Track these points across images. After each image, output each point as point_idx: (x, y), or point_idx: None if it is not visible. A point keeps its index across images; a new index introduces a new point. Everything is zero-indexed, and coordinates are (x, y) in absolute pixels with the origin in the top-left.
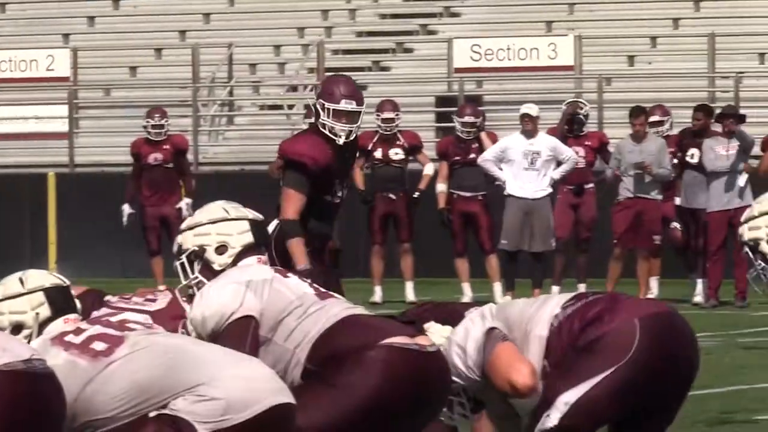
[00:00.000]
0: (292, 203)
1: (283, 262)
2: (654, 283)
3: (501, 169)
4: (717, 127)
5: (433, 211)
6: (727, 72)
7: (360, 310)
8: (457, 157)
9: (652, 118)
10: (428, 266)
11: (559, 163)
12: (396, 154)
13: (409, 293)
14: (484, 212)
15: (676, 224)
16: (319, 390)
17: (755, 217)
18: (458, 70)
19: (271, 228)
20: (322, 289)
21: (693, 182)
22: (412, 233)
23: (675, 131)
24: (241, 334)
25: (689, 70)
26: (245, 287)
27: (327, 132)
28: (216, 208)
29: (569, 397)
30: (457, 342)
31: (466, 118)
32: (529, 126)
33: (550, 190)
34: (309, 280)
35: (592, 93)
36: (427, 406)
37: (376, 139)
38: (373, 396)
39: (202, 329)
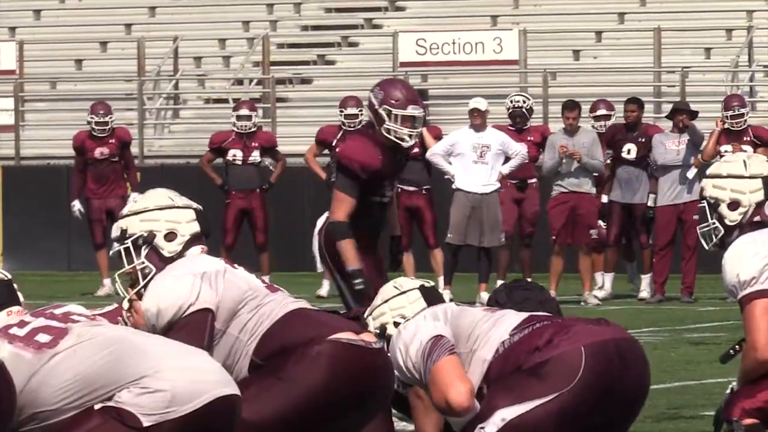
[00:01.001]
0: (342, 206)
1: (332, 260)
2: (608, 279)
3: (450, 163)
4: (651, 120)
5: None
6: (672, 67)
7: (304, 304)
8: None
9: (599, 112)
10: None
11: (508, 159)
12: None
13: (323, 290)
14: (429, 206)
15: (600, 223)
16: (266, 382)
17: (722, 177)
18: (403, 64)
19: (320, 223)
20: (267, 282)
21: (629, 177)
22: None
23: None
24: (199, 327)
25: (635, 64)
26: (200, 279)
27: (392, 137)
28: (161, 195)
29: (506, 413)
30: (404, 338)
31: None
32: (478, 120)
33: (499, 185)
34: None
35: (537, 87)
36: (370, 402)
37: (339, 134)
38: (318, 390)
39: (157, 321)
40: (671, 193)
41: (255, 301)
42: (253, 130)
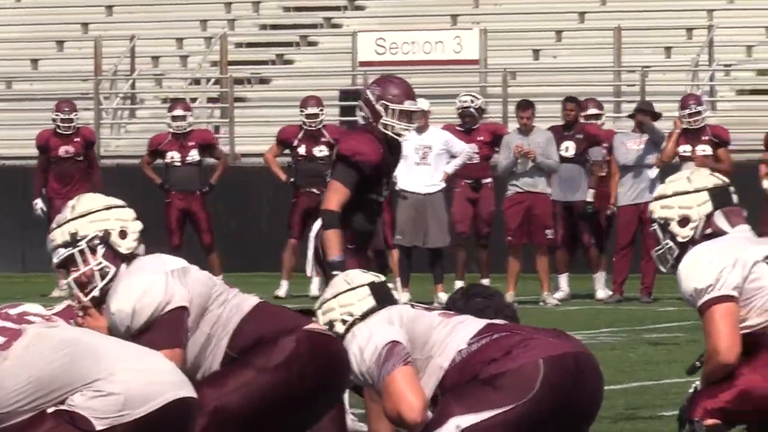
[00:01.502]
0: (337, 196)
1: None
2: (563, 280)
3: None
4: (611, 120)
5: None
6: (633, 66)
7: (258, 298)
8: None
9: (589, 111)
10: None
11: (453, 158)
12: (320, 150)
13: (314, 288)
14: (386, 206)
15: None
16: (246, 373)
17: (668, 196)
18: (362, 64)
19: (316, 227)
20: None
21: (569, 176)
22: None
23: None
24: (177, 326)
25: (595, 64)
26: (169, 277)
27: (389, 132)
28: (99, 197)
29: (461, 421)
30: (359, 343)
31: None
32: (420, 121)
33: (443, 185)
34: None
35: (497, 87)
36: (334, 391)
37: (300, 135)
38: (299, 377)
39: (132, 321)
40: (632, 193)
41: (222, 296)
42: (188, 130)
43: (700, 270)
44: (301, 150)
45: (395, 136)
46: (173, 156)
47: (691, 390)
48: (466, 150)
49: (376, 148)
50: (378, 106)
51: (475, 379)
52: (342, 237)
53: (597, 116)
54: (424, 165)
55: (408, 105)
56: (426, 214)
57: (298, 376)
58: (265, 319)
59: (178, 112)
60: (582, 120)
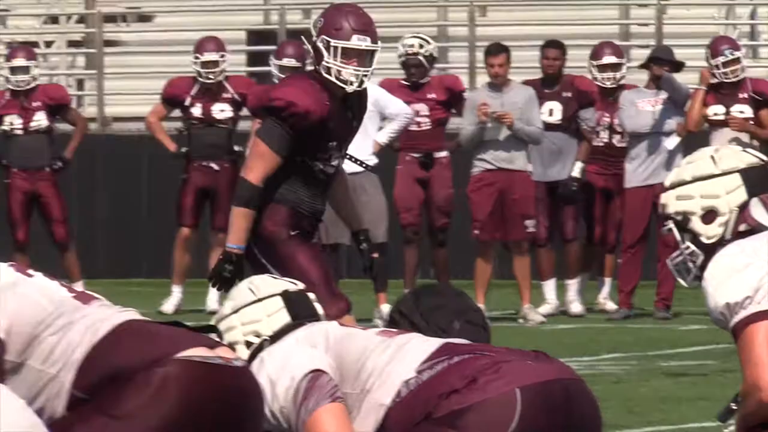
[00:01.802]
0: (261, 163)
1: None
2: (549, 288)
3: None
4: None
5: None
6: None
7: (136, 315)
8: None
9: (605, 60)
10: None
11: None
12: (221, 111)
13: (212, 300)
14: None
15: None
16: (95, 423)
17: (686, 183)
18: None
19: None
20: (80, 289)
21: (554, 148)
22: None
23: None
24: None
25: None
26: None
27: (332, 78)
28: None
29: None
30: (269, 372)
31: (286, 61)
32: None
33: (376, 159)
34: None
35: (462, 27)
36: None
37: (195, 90)
38: (167, 426)
39: None
40: (644, 171)
41: (62, 320)
42: (32, 86)
43: (734, 278)
44: (196, 111)
45: (339, 83)
46: (12, 122)
47: None
48: (403, 112)
49: (318, 99)
50: (319, 43)
51: (430, 418)
52: (253, 219)
53: (616, 67)
54: None
55: (356, 41)
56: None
57: (173, 420)
58: (128, 346)
59: (19, 61)
60: (597, 73)
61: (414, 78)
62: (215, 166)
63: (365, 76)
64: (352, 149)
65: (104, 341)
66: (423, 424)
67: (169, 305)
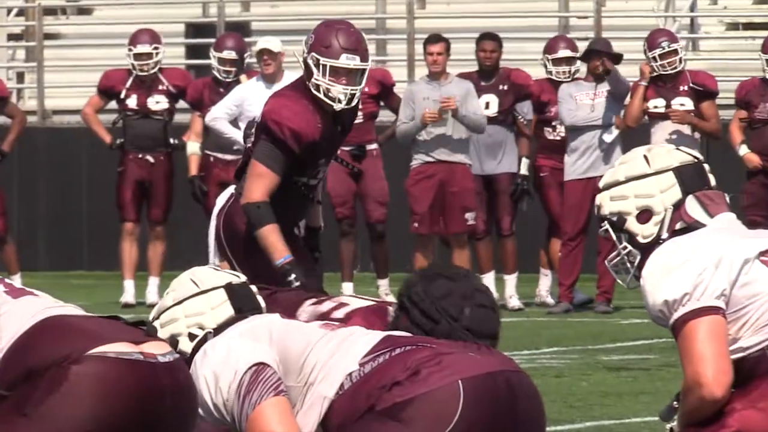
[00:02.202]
0: (262, 182)
1: (233, 250)
2: (488, 281)
3: (239, 128)
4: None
5: (183, 179)
6: None
7: (71, 309)
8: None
9: (560, 53)
10: (178, 254)
11: None
12: (156, 102)
13: (152, 292)
14: None
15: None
16: (10, 421)
17: (620, 183)
18: None
19: (220, 202)
20: (15, 284)
21: (490, 141)
22: (169, 211)
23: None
24: None
25: None
26: None
27: (321, 95)
28: None
29: None
30: (212, 364)
31: (226, 53)
32: (270, 67)
33: None
34: None
35: (400, 19)
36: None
37: (129, 82)
38: (81, 426)
39: None
40: (583, 164)
41: None
42: None
43: (672, 275)
44: (131, 102)
45: (327, 101)
46: None
47: None
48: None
49: (311, 121)
50: (309, 60)
51: (373, 410)
52: (279, 230)
53: (570, 60)
54: None
55: (345, 60)
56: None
57: (87, 419)
58: (46, 342)
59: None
60: (551, 66)
61: None
62: (151, 158)
63: (354, 94)
64: None
65: (24, 337)
66: (366, 416)
67: (128, 296)
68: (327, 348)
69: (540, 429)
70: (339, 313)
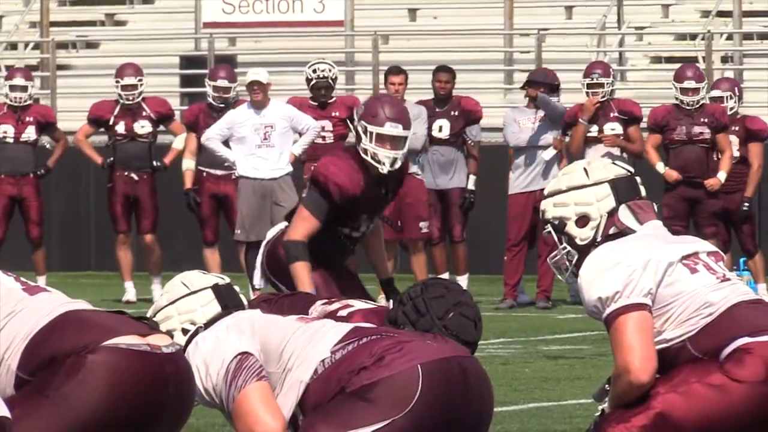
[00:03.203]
0: (304, 225)
1: (276, 277)
2: (463, 280)
3: (230, 148)
4: (502, 93)
5: (180, 192)
6: (527, 29)
7: (82, 304)
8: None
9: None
10: (176, 258)
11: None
12: (142, 127)
13: (156, 290)
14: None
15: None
16: (31, 402)
17: (562, 192)
18: (207, 25)
19: (270, 235)
20: (30, 282)
21: (443, 160)
22: (157, 221)
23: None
24: None
25: (483, 26)
26: None
27: (369, 158)
28: None
29: None
30: (203, 354)
31: (220, 82)
32: (259, 95)
33: (290, 168)
34: (13, 275)
35: (366, 53)
36: (161, 419)
37: (117, 110)
38: (95, 408)
39: None
40: (525, 179)
41: (7, 308)
42: (28, 103)
43: (605, 275)
44: (120, 128)
45: (375, 164)
46: (6, 131)
47: (597, 413)
48: (313, 126)
49: (355, 178)
50: (358, 127)
51: (343, 392)
52: (306, 267)
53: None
54: (267, 147)
55: (389, 128)
56: (274, 203)
57: (100, 402)
58: (65, 333)
59: (18, 80)
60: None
61: (323, 98)
62: (135, 176)
63: (396, 158)
64: (271, 163)
65: (45, 328)
66: (338, 397)
67: (130, 295)
68: (303, 338)
69: (489, 408)
70: (344, 312)
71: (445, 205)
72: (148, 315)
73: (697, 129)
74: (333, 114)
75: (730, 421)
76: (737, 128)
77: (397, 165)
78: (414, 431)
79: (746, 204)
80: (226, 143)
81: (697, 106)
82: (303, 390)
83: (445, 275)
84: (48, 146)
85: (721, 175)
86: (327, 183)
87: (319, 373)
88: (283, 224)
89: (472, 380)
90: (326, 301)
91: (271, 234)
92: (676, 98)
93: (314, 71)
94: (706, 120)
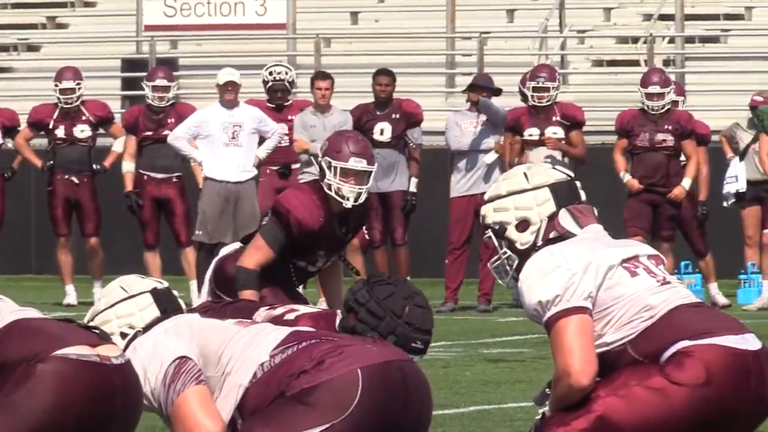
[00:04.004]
0: (258, 254)
1: (223, 292)
2: None
3: (196, 147)
4: (443, 97)
5: (121, 195)
6: (469, 32)
7: (32, 312)
8: (149, 132)
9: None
10: (116, 261)
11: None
12: (81, 131)
13: (97, 294)
14: (180, 197)
15: None
16: None
17: (502, 197)
18: (149, 28)
19: (224, 252)
20: None
21: (385, 163)
22: (100, 224)
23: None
24: None
25: (425, 29)
26: None
27: (333, 193)
28: None
29: None
30: (141, 358)
31: (158, 81)
32: (231, 95)
33: (255, 171)
34: None
35: (309, 56)
36: (113, 426)
37: (56, 113)
38: (43, 417)
39: None
40: (466, 183)
41: None
42: None
43: (545, 279)
44: (60, 132)
45: (339, 199)
46: None
47: (538, 416)
48: (277, 130)
49: (315, 213)
50: (323, 162)
51: (283, 396)
52: (255, 296)
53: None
54: (235, 147)
55: (353, 162)
56: (236, 206)
57: (49, 411)
58: (15, 342)
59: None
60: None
61: (279, 101)
62: (75, 179)
63: (360, 193)
64: (237, 163)
65: None
66: (277, 401)
67: (70, 298)
68: (241, 342)
69: (428, 412)
70: (291, 316)
71: (386, 208)
72: (86, 320)
73: (660, 136)
74: (289, 117)
75: (670, 424)
76: (669, 127)
77: (362, 199)
78: None
79: (704, 208)
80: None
81: (663, 111)
82: (242, 394)
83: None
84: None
85: (686, 183)
86: (288, 216)
87: (258, 377)
88: (237, 244)
89: (412, 384)
90: (269, 306)
91: (223, 252)
92: (642, 103)
93: (270, 74)
94: (670, 127)
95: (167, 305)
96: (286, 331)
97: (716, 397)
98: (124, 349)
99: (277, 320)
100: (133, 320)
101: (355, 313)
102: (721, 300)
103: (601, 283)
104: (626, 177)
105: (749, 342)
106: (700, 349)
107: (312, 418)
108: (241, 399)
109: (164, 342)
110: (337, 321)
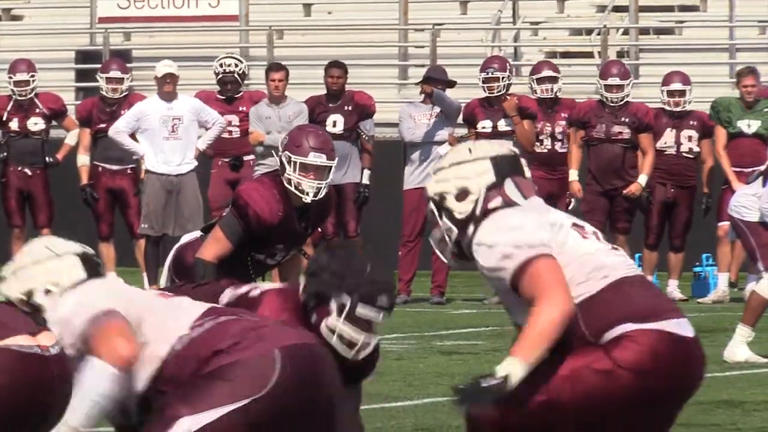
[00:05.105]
0: (216, 246)
1: (177, 275)
2: None
3: (137, 140)
4: (396, 89)
5: (75, 187)
6: (422, 24)
7: None
8: (102, 124)
9: (543, 73)
10: None
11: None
12: (35, 124)
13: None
14: (134, 189)
15: None
16: None
17: (444, 168)
18: (102, 20)
19: (184, 239)
20: None
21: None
22: (53, 216)
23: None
24: None
25: (378, 21)
26: None
27: (292, 188)
28: None
29: (192, 423)
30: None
31: (112, 73)
32: (170, 87)
33: (196, 163)
34: None
35: (261, 48)
36: (53, 414)
37: (10, 106)
38: None
39: None
40: (419, 174)
41: None
42: None
43: (506, 234)
44: (13, 124)
45: (298, 194)
46: None
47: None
48: (219, 120)
49: (275, 207)
50: (282, 157)
51: (201, 371)
52: None
53: (553, 79)
54: (175, 140)
55: (313, 158)
56: (178, 198)
57: None
58: None
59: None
60: (536, 85)
61: (229, 93)
62: (29, 171)
63: (320, 188)
64: (178, 156)
65: None
66: (197, 375)
67: None
68: (162, 313)
69: (337, 390)
70: (255, 292)
71: (339, 201)
72: (4, 273)
73: (616, 128)
74: (240, 108)
75: (613, 406)
76: (694, 123)
77: (321, 195)
78: (270, 413)
79: (709, 200)
80: (132, 136)
81: (621, 103)
82: (159, 365)
83: None
84: None
85: (642, 179)
86: (247, 209)
87: (176, 349)
88: (197, 233)
89: (327, 366)
90: (234, 286)
91: (184, 239)
92: (601, 95)
93: (221, 65)
94: (627, 119)
95: (92, 271)
96: (204, 306)
97: (661, 382)
98: (46, 306)
99: (242, 298)
100: (59, 278)
101: (317, 277)
102: (678, 295)
103: (555, 238)
104: (573, 176)
105: (687, 328)
106: (647, 334)
107: (230, 394)
108: (158, 370)
109: (93, 295)
110: (301, 289)
